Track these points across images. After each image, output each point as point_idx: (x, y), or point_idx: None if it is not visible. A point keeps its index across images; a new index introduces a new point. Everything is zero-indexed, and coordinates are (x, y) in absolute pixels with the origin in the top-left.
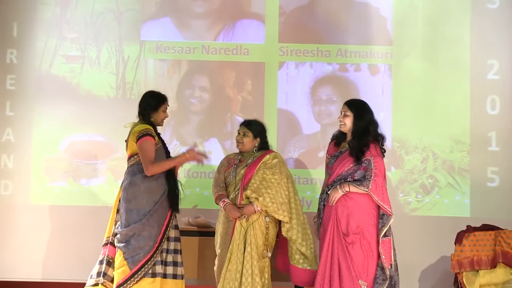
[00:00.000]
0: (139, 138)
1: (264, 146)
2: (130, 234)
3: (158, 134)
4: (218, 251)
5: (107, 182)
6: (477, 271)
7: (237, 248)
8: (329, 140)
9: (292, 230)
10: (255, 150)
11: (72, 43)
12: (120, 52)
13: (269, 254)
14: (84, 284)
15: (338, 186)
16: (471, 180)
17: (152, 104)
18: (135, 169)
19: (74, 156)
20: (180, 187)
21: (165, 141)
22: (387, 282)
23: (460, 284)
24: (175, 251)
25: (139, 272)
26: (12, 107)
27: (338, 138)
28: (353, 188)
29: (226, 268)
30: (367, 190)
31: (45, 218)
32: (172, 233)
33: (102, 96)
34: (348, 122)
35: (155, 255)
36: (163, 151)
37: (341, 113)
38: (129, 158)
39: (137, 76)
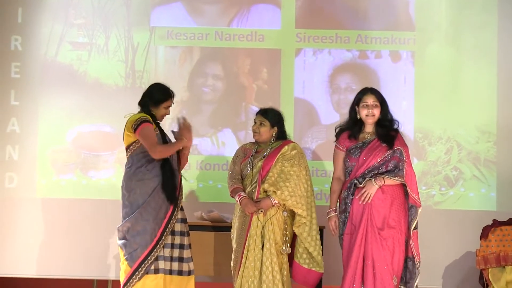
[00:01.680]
0: (136, 126)
1: (281, 136)
2: (125, 229)
3: (157, 124)
4: (234, 245)
5: (116, 175)
6: (504, 267)
7: (254, 243)
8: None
9: (304, 226)
10: (273, 140)
11: (79, 29)
12: (129, 38)
13: (289, 250)
14: (92, 280)
15: (373, 180)
16: (497, 173)
17: (154, 98)
18: (130, 160)
19: (81, 148)
20: (181, 178)
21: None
22: (419, 273)
23: (486, 281)
24: (181, 246)
25: (140, 269)
26: (17, 96)
27: (353, 130)
28: (388, 181)
29: (243, 265)
30: (403, 180)
31: (52, 212)
32: (178, 227)
33: (111, 85)
34: (377, 113)
35: (154, 250)
36: (161, 140)
37: (370, 105)
38: (126, 150)
39: (147, 64)
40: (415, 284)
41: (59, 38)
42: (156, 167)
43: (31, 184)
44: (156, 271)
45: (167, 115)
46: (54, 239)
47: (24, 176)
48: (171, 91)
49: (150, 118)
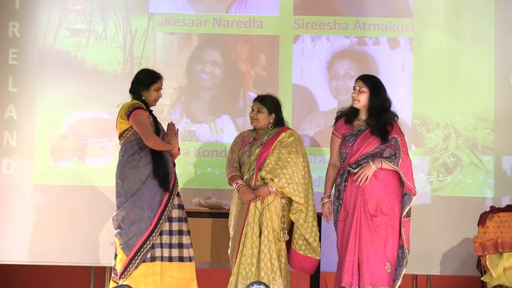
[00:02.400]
0: (130, 113)
1: (279, 122)
2: (120, 218)
3: (150, 111)
4: (232, 233)
5: (114, 161)
6: (501, 253)
7: (252, 231)
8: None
9: (301, 213)
10: (270, 127)
11: (77, 15)
12: (127, 25)
13: (287, 237)
14: (90, 267)
15: (371, 162)
16: (495, 159)
17: (143, 82)
18: (123, 148)
19: (79, 134)
20: (172, 166)
21: (175, 120)
22: (406, 264)
23: (484, 268)
24: (180, 232)
25: (136, 258)
26: (15, 83)
27: (349, 115)
28: (385, 165)
29: (241, 253)
30: (397, 168)
31: (50, 198)
32: (175, 213)
33: (109, 71)
34: (364, 98)
35: (150, 238)
36: (153, 127)
37: (355, 89)
38: (119, 137)
39: (145, 51)
40: (402, 273)
41: (57, 24)
42: (148, 154)
43: (28, 170)
44: (153, 259)
45: (160, 99)
46: (51, 226)
47: (21, 163)
48: (158, 73)
49: (143, 105)
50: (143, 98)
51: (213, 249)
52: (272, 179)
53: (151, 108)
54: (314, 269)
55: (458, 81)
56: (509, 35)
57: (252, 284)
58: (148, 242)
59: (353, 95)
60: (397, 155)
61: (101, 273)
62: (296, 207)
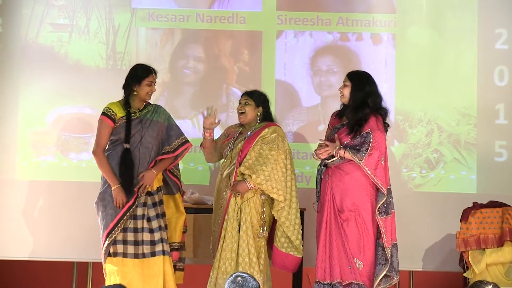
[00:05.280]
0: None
1: (267, 117)
2: (96, 211)
3: (128, 112)
4: (212, 227)
5: None
6: (484, 249)
7: (232, 226)
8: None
9: (282, 211)
10: (258, 120)
11: (59, 10)
12: (110, 20)
13: (265, 234)
14: (72, 263)
15: (337, 147)
16: (478, 155)
17: (136, 76)
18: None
19: (62, 129)
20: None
21: None
22: (389, 262)
23: (466, 263)
24: (151, 231)
25: (104, 251)
26: None
27: (342, 110)
28: (348, 155)
29: (221, 247)
30: (360, 162)
31: (32, 194)
32: (141, 211)
33: (92, 67)
34: (346, 92)
35: (112, 233)
36: (123, 132)
37: (342, 84)
38: None
39: (128, 46)
40: (383, 272)
41: (40, 19)
42: (118, 156)
43: (11, 166)
44: (114, 254)
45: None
46: (34, 221)
47: (4, 158)
48: (153, 68)
49: (115, 110)
50: (135, 92)
51: (196, 244)
52: (250, 175)
53: (146, 101)
54: (296, 267)
55: (441, 77)
56: (492, 31)
57: (235, 274)
58: (110, 237)
59: (339, 89)
60: (362, 150)
61: (83, 269)
62: (277, 204)
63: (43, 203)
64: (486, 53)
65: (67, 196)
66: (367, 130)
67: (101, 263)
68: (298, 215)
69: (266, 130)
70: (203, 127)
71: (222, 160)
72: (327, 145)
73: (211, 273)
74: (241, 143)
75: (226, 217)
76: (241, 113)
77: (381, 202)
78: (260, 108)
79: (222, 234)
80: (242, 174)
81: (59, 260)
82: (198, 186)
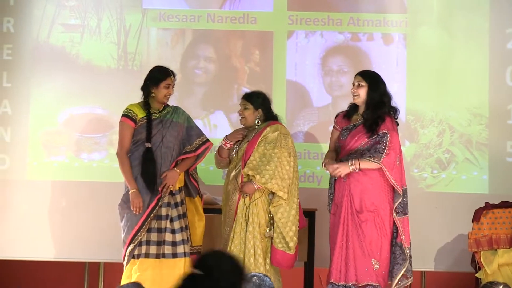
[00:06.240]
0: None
1: (268, 116)
2: (119, 214)
3: (149, 113)
4: (223, 228)
5: (109, 157)
6: (496, 250)
7: (240, 227)
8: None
9: (280, 207)
10: (258, 123)
11: (71, 11)
12: (121, 20)
13: (271, 234)
14: (84, 263)
15: (349, 162)
16: (489, 155)
17: (153, 79)
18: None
19: (73, 130)
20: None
21: None
22: (407, 261)
23: (478, 264)
24: (173, 231)
25: (127, 254)
26: (9, 78)
27: (349, 111)
28: (364, 164)
29: (230, 248)
30: (378, 162)
31: (43, 194)
32: (165, 211)
33: (103, 67)
34: (363, 93)
35: (138, 235)
36: (144, 133)
37: (354, 84)
38: None
39: (139, 46)
40: (401, 272)
41: (51, 20)
42: (140, 156)
43: (22, 166)
44: (138, 256)
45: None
46: (45, 222)
47: (15, 158)
48: (171, 70)
49: (135, 111)
50: (153, 94)
51: (206, 244)
52: (254, 176)
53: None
54: (290, 264)
55: (452, 77)
56: (503, 31)
57: (250, 274)
58: (136, 238)
59: (352, 90)
60: (379, 150)
61: (95, 269)
62: (277, 200)
63: (54, 203)
64: (497, 53)
65: (78, 196)
66: (383, 130)
67: (113, 263)
68: (297, 215)
69: (268, 129)
70: (227, 137)
71: None
72: (336, 167)
73: None
74: (245, 145)
75: (235, 218)
76: (241, 117)
77: (398, 202)
78: (260, 110)
79: (231, 235)
80: (248, 175)
81: (71, 260)
82: (210, 186)
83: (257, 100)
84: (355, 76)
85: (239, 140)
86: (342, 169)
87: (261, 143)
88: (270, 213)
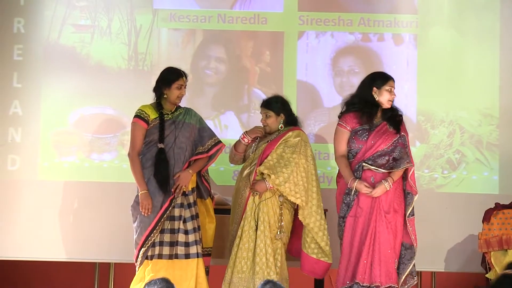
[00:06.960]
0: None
1: (290, 121)
2: (131, 215)
3: (161, 114)
4: (231, 227)
5: (119, 157)
6: (506, 250)
7: (249, 225)
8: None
9: (310, 217)
10: (281, 127)
11: (81, 11)
12: (132, 21)
13: (282, 237)
14: (94, 263)
15: (385, 184)
16: (500, 156)
17: (165, 80)
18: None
19: (84, 130)
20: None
21: None
22: (413, 261)
23: (488, 264)
24: (185, 232)
25: (140, 254)
26: (20, 79)
27: (366, 112)
28: (397, 175)
29: (237, 246)
30: (411, 165)
31: (54, 194)
32: (178, 212)
33: (113, 67)
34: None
35: (151, 236)
36: (157, 133)
37: (392, 89)
38: None
39: (150, 47)
40: (407, 270)
41: (62, 20)
42: (152, 157)
43: (33, 166)
44: (151, 257)
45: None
46: (55, 222)
47: (26, 159)
48: (183, 71)
49: (147, 112)
50: (165, 95)
51: (216, 245)
52: (269, 175)
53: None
54: (325, 272)
55: (462, 77)
56: None
57: (264, 281)
58: (149, 239)
59: (392, 96)
60: (406, 154)
61: (105, 269)
62: (302, 208)
63: (65, 203)
64: (508, 53)
65: (89, 196)
66: (403, 133)
67: (123, 264)
68: (325, 220)
69: (290, 133)
70: (246, 132)
71: None
72: (376, 192)
73: (226, 271)
74: (264, 145)
75: (244, 216)
76: (264, 126)
77: (412, 204)
78: (282, 115)
79: (239, 232)
80: (262, 174)
81: (81, 260)
82: (221, 187)
83: (277, 106)
84: (391, 81)
85: (257, 138)
86: (381, 192)
87: (280, 145)
88: (280, 215)
